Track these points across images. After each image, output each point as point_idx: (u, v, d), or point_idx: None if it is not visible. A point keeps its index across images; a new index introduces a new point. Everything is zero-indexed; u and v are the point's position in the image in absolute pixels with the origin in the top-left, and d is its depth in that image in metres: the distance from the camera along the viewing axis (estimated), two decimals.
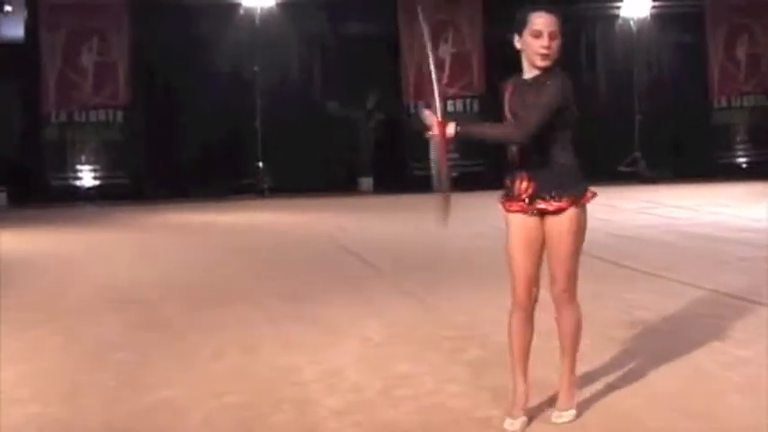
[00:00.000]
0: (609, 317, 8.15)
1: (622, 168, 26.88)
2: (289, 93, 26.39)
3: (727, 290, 9.35)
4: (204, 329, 8.36)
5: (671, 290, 9.64)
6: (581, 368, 5.85)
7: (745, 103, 29.04)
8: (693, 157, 26.72)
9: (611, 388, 6.02)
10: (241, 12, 25.96)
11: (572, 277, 5.45)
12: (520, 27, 5.35)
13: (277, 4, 25.85)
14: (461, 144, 25.99)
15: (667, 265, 11.11)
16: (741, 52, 29.03)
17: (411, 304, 9.40)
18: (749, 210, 17.34)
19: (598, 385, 6.05)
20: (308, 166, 25.59)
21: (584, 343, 5.73)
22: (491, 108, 26.47)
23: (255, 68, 26.08)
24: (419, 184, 25.24)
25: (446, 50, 26.79)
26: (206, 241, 15.93)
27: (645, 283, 10.17)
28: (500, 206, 5.49)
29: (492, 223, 11.76)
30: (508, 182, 5.44)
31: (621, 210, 16.44)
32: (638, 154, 27.02)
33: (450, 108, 26.57)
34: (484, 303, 9.15)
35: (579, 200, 5.38)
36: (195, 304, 9.75)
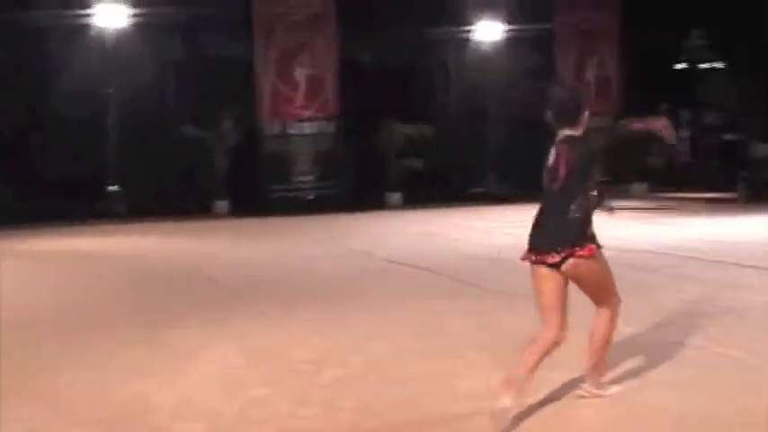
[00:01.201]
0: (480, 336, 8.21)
1: (476, 190, 27.19)
2: (143, 114, 26.02)
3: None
4: (56, 358, 8.20)
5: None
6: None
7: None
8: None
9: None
10: (92, 32, 25.50)
11: None
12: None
13: (130, 25, 25.48)
14: (319, 166, 26.28)
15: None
16: (590, 74, 29.83)
17: (267, 327, 9.40)
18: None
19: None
20: (162, 188, 25.32)
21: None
22: (347, 130, 26.75)
23: (110, 90, 25.71)
24: (275, 206, 25.34)
25: (301, 73, 26.83)
26: (58, 268, 15.54)
27: (513, 304, 9.98)
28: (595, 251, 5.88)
29: (346, 245, 11.78)
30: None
31: (474, 229, 16.51)
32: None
33: (306, 130, 26.70)
34: (339, 325, 9.22)
35: None
36: (47, 332, 9.54)
